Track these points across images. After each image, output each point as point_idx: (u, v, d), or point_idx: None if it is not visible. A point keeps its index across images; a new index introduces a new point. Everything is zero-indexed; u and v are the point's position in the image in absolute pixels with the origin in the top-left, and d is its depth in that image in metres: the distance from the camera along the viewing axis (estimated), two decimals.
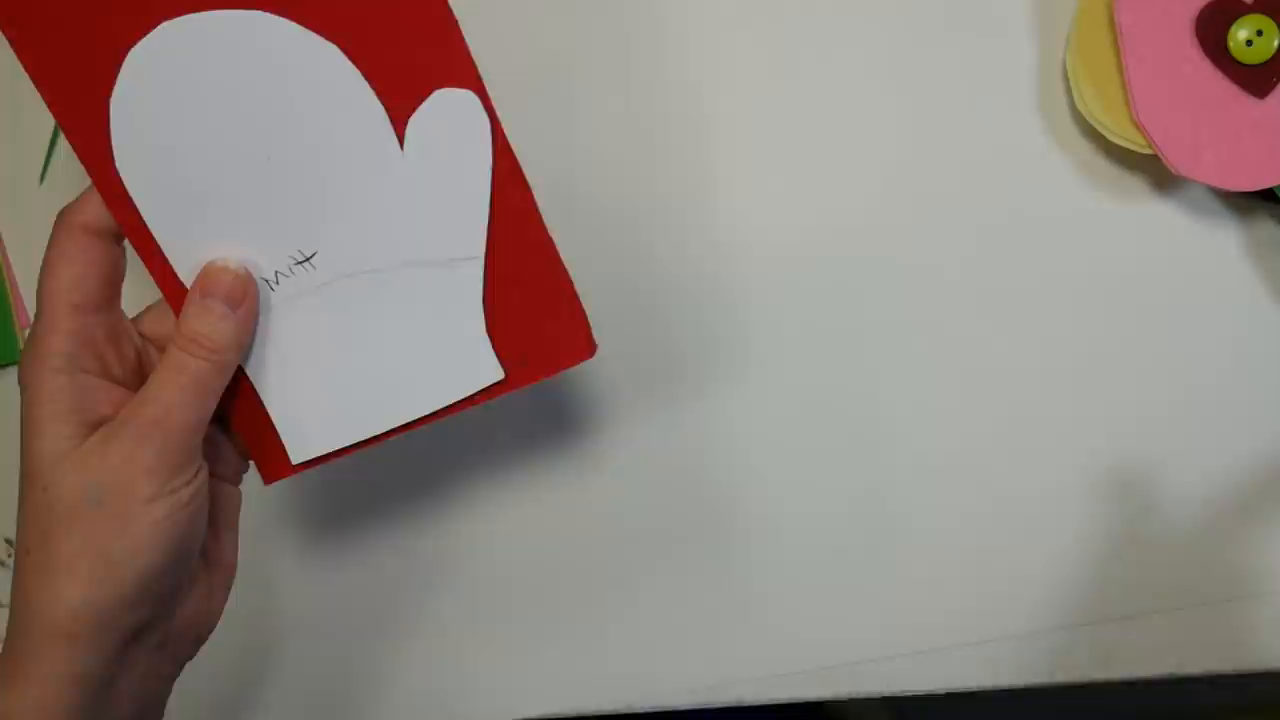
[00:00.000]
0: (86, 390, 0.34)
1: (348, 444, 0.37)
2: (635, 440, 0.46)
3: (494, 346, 0.36)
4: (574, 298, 0.36)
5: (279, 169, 0.34)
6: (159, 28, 0.32)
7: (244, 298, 0.35)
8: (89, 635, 0.33)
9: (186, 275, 0.35)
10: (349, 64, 0.33)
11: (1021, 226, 0.44)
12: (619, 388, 0.46)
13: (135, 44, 0.32)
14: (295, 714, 0.49)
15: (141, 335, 0.37)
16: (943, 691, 0.46)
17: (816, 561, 0.46)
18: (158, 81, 0.33)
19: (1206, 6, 0.40)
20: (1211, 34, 0.40)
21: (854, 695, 0.46)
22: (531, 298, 0.36)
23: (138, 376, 0.36)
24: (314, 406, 0.36)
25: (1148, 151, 0.41)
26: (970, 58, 0.44)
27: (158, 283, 0.35)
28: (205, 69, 0.33)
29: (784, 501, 0.46)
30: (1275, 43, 0.39)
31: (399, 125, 0.34)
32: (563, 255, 0.36)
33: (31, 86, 0.50)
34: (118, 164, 0.33)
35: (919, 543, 0.45)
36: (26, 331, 0.50)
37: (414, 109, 0.33)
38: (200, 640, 0.38)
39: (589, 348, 0.36)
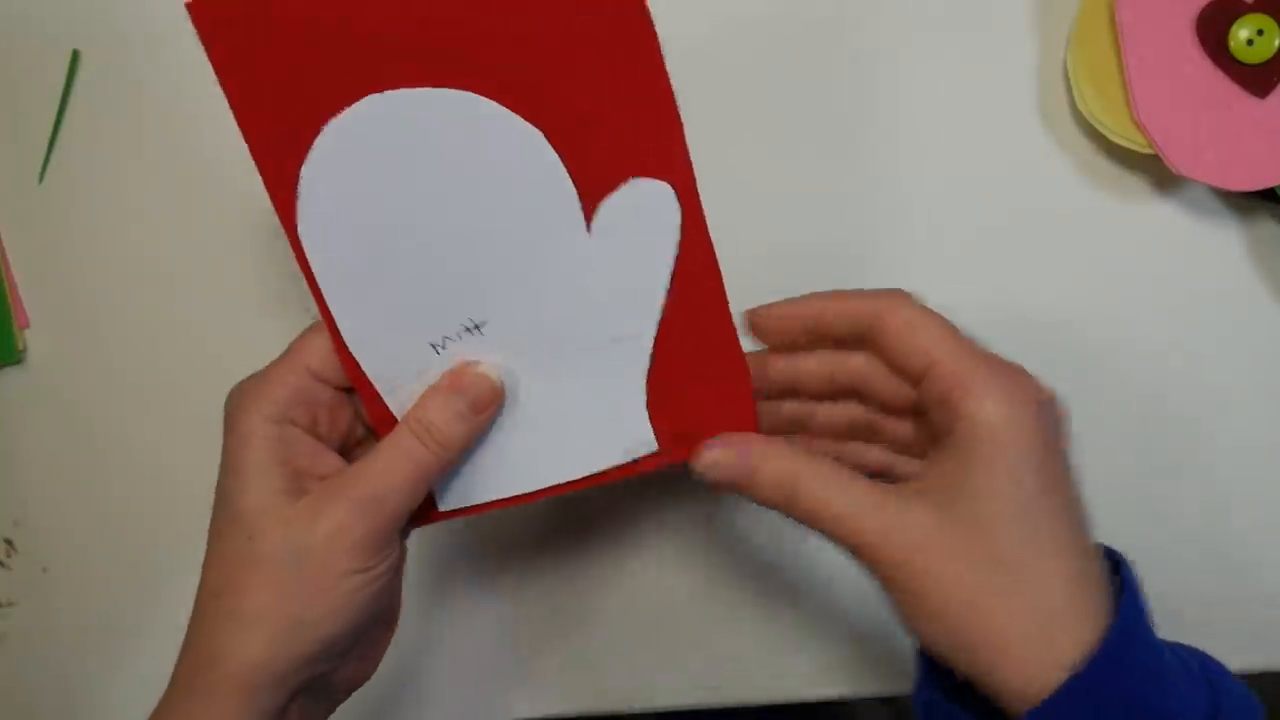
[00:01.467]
0: (294, 443, 0.34)
1: (492, 499, 0.37)
2: None
3: (654, 421, 0.36)
4: (748, 385, 0.35)
5: (461, 241, 0.33)
6: (365, 100, 0.31)
7: (488, 407, 0.35)
8: (266, 688, 0.33)
9: (351, 339, 0.35)
10: (549, 147, 0.32)
11: (1022, 226, 0.44)
12: None
13: (338, 113, 0.32)
14: None
15: (360, 415, 0.37)
16: None
17: (816, 562, 0.46)
18: (352, 153, 0.32)
19: (1207, 6, 0.40)
20: (1212, 33, 0.40)
21: (854, 695, 0.46)
22: (703, 379, 0.35)
23: (344, 446, 0.37)
24: (464, 461, 0.36)
25: (1148, 151, 0.41)
26: (970, 58, 0.44)
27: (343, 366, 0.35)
28: (403, 143, 0.32)
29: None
30: (1276, 42, 0.39)
31: (589, 208, 0.33)
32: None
33: (31, 87, 0.51)
34: (300, 231, 0.33)
35: None
36: (26, 333, 0.50)
37: (607, 194, 0.33)
38: (354, 689, 0.38)
39: (750, 423, 0.36)
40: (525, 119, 0.32)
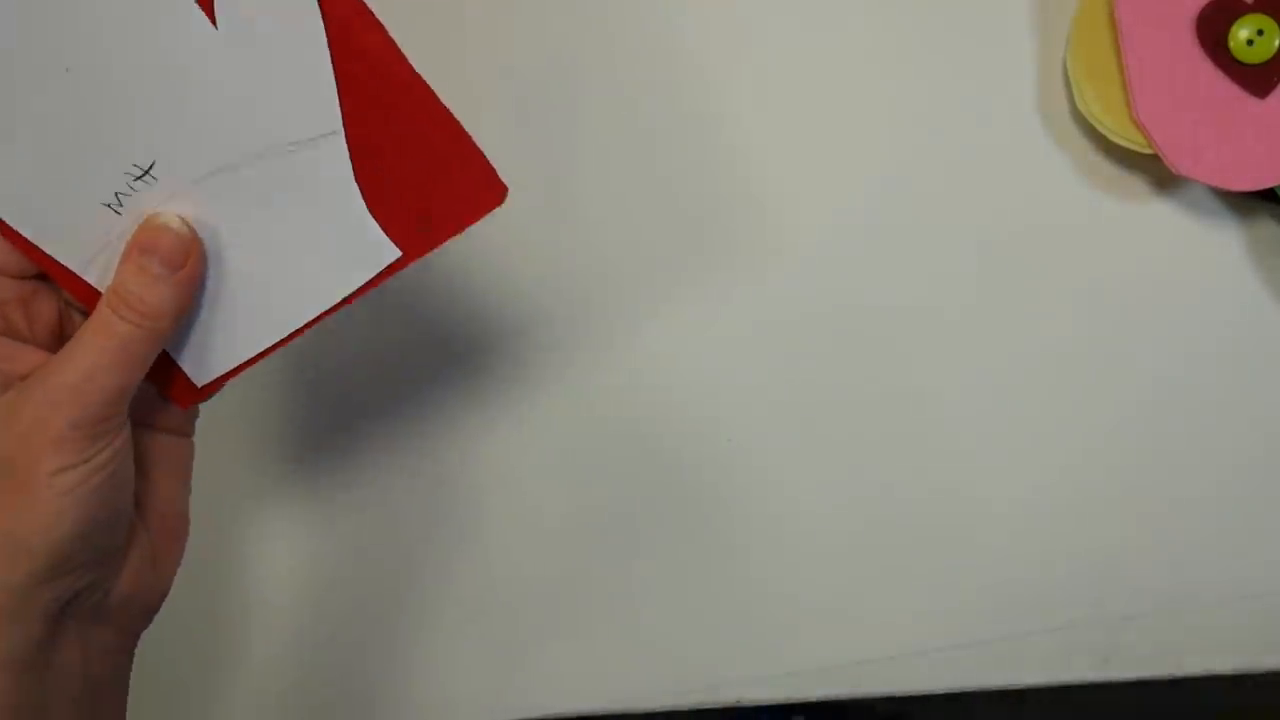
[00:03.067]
0: None
1: (249, 357, 0.34)
2: (634, 440, 0.46)
3: (384, 219, 0.32)
4: (465, 140, 0.32)
5: (81, 78, 0.30)
6: None
7: (186, 260, 0.32)
8: (4, 616, 0.30)
9: (11, 217, 0.31)
10: None
11: (1021, 226, 0.44)
12: (612, 389, 0.46)
13: None
14: (293, 715, 0.49)
15: (66, 300, 0.34)
16: (943, 691, 0.46)
17: (817, 561, 0.46)
18: None
19: (1207, 6, 0.40)
20: (1212, 33, 0.40)
21: (854, 695, 0.46)
22: (416, 154, 0.32)
23: (55, 339, 0.33)
24: (205, 325, 0.33)
25: (1148, 151, 0.41)
26: (970, 58, 0.44)
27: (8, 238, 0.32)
28: None
29: (785, 501, 0.46)
30: (1276, 42, 0.39)
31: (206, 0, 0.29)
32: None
33: None
34: None
35: (919, 543, 0.45)
36: None
37: None
38: (151, 610, 0.35)
39: (497, 191, 0.32)
40: None
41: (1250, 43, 0.40)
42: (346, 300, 0.33)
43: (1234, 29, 0.40)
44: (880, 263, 0.45)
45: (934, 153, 0.44)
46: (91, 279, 0.32)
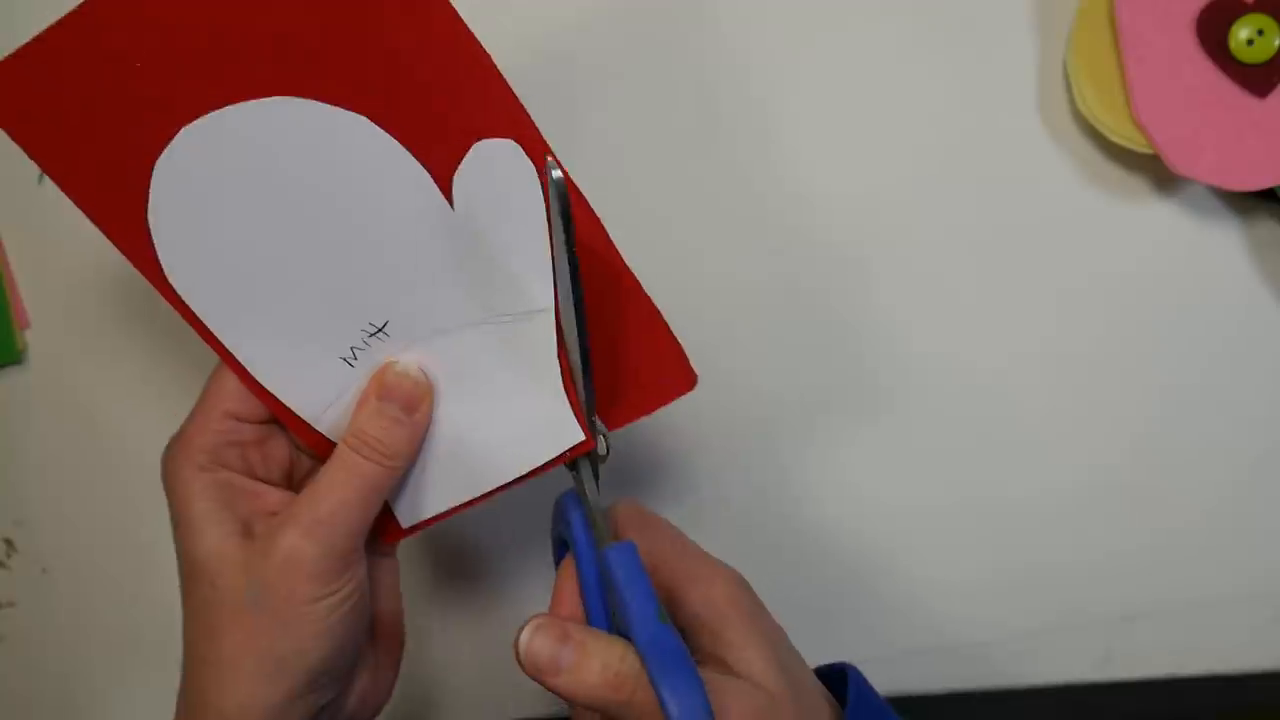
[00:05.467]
0: (234, 487, 0.35)
1: (449, 508, 0.37)
2: (640, 442, 0.46)
3: (577, 403, 0.35)
4: (664, 329, 0.34)
5: (332, 247, 0.33)
6: (180, 134, 0.31)
7: (420, 404, 0.35)
8: None
9: (258, 374, 0.34)
10: (379, 131, 0.32)
11: (1021, 226, 0.44)
12: None
13: (159, 154, 0.32)
14: None
15: (296, 444, 0.37)
16: (943, 691, 0.46)
17: (816, 562, 0.46)
18: (189, 188, 0.32)
19: (1207, 6, 0.40)
20: (1212, 33, 0.40)
21: None
22: (617, 337, 0.34)
23: (286, 479, 0.36)
24: (414, 473, 0.36)
25: (1148, 151, 0.41)
26: (970, 58, 0.44)
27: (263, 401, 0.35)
28: (235, 165, 0.32)
29: (784, 503, 0.46)
30: (1276, 42, 0.39)
31: (444, 183, 0.32)
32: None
33: None
34: (169, 277, 0.33)
35: (919, 543, 0.45)
36: (26, 333, 0.50)
37: (457, 165, 0.32)
38: (376, 709, 0.38)
39: (688, 379, 0.35)
40: (345, 108, 0.32)
41: (1250, 43, 0.40)
42: (536, 472, 0.35)
43: (1234, 29, 0.40)
44: (878, 262, 0.45)
45: (934, 152, 0.44)
46: (322, 428, 0.35)
